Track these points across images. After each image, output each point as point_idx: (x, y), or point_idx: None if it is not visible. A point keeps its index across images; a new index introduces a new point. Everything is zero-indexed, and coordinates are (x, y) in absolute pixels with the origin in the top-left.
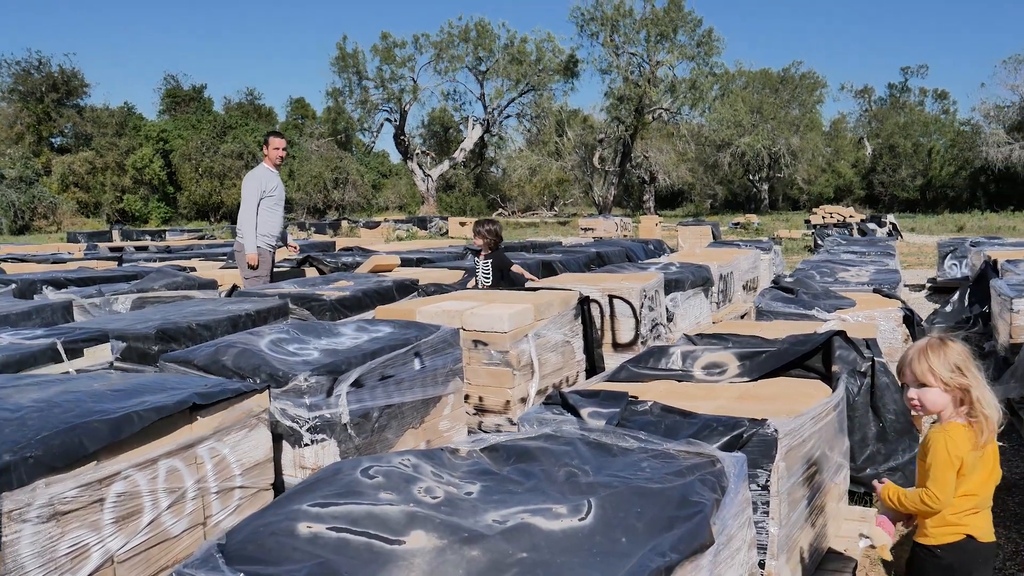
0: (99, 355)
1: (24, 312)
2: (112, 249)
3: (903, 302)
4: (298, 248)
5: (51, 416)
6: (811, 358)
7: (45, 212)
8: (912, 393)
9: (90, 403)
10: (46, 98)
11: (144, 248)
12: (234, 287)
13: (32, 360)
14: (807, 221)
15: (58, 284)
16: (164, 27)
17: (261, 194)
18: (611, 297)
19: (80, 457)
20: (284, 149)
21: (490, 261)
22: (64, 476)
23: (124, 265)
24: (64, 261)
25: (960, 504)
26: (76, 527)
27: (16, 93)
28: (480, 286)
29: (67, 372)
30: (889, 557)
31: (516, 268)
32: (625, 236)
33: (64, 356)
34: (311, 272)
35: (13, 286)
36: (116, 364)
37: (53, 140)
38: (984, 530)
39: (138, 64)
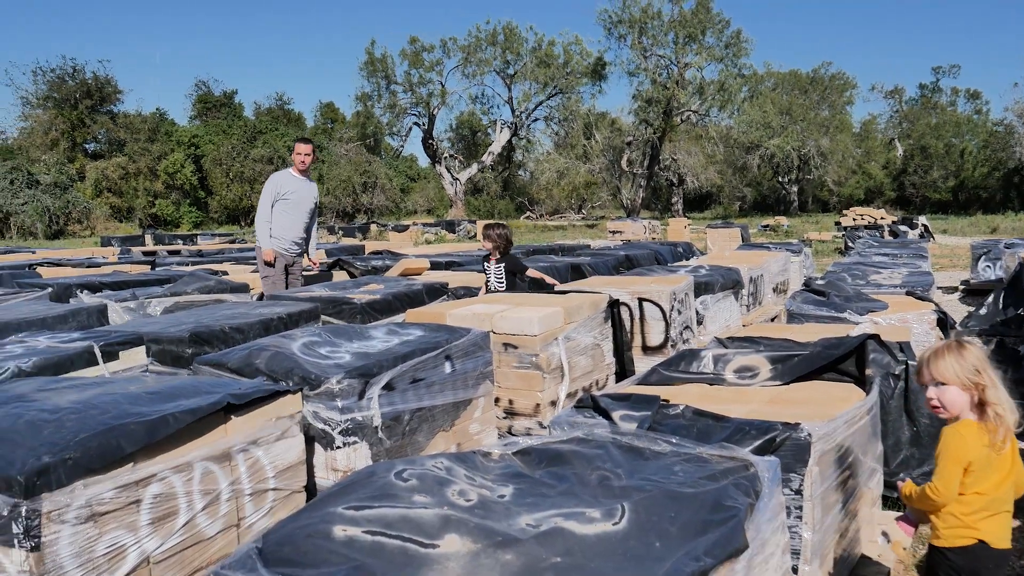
0: (134, 358)
1: (60, 315)
2: (145, 253)
3: (936, 305)
4: (317, 265)
5: (89, 418)
6: (844, 361)
7: (79, 217)
8: (932, 392)
9: (126, 405)
10: (80, 105)
11: (176, 252)
12: None
13: (69, 363)
14: (837, 223)
15: (93, 288)
16: (195, 34)
17: (274, 196)
18: (641, 300)
19: (117, 459)
20: (308, 155)
21: (502, 265)
22: (102, 477)
23: (157, 269)
24: (99, 265)
25: (973, 503)
26: (113, 528)
27: (51, 100)
28: (493, 292)
29: (103, 375)
30: (902, 554)
31: (533, 272)
32: (653, 239)
33: (100, 359)
34: (341, 275)
35: (50, 290)
36: (151, 367)
37: (87, 146)
38: (999, 536)
39: (170, 71)
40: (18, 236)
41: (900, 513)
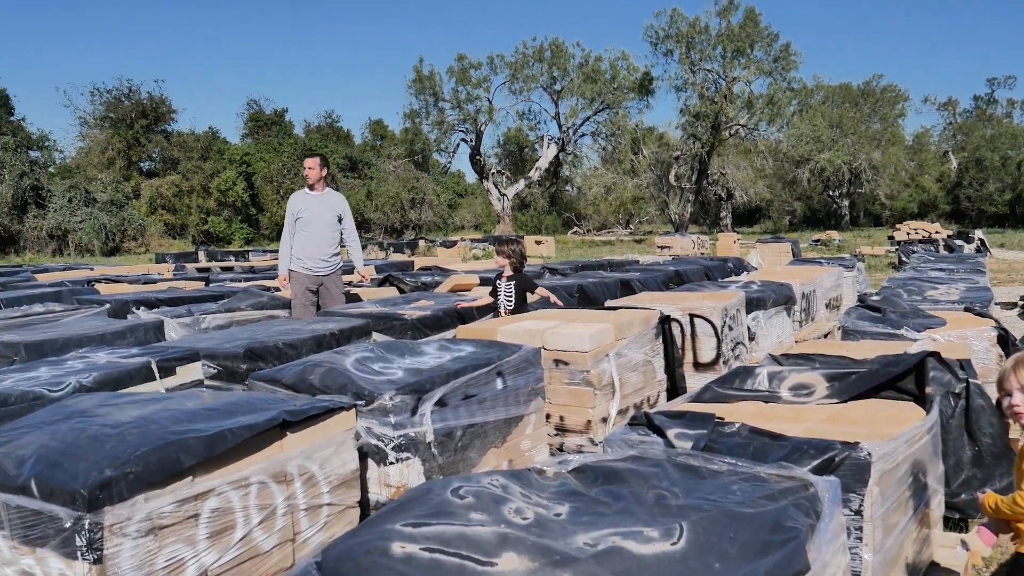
0: (190, 373)
1: (119, 331)
2: (199, 270)
3: (996, 321)
4: (366, 278)
5: (149, 433)
6: (903, 379)
7: (134, 234)
8: (1018, 399)
9: (185, 420)
10: (136, 124)
11: (229, 268)
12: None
13: (128, 378)
14: (891, 237)
15: (149, 304)
16: (247, 54)
17: (293, 216)
18: (692, 316)
19: (176, 473)
20: (312, 168)
21: (513, 283)
22: (161, 491)
23: (211, 285)
24: (154, 281)
25: None
26: (172, 541)
27: (108, 120)
28: (503, 310)
29: (160, 390)
30: (980, 563)
31: (542, 291)
32: (702, 254)
33: (158, 374)
34: (391, 291)
35: (108, 306)
36: (206, 382)
37: (142, 165)
38: None
39: (222, 90)
40: (76, 253)
41: (979, 523)
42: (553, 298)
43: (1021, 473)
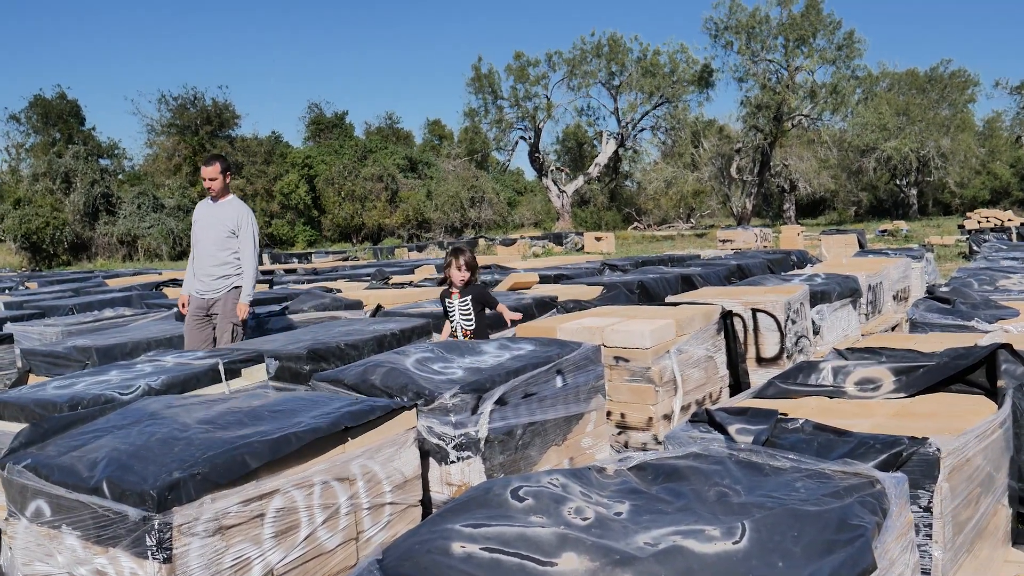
0: (255, 375)
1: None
2: (263, 272)
3: None
4: (242, 313)
5: (215, 435)
6: (973, 372)
7: None
8: None
9: (251, 423)
10: (201, 131)
11: (292, 271)
12: (378, 307)
13: (195, 380)
14: (961, 226)
15: None
16: (308, 58)
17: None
18: (754, 311)
19: (242, 474)
20: (213, 179)
21: (469, 298)
22: (228, 492)
23: (275, 287)
24: None
25: None
26: (239, 541)
27: (174, 127)
28: (460, 331)
29: (226, 392)
30: None
31: (500, 308)
32: (765, 247)
33: (224, 376)
34: None
35: (175, 310)
36: (271, 383)
37: None
38: None
39: (284, 94)
40: (145, 258)
41: None
42: (510, 315)
43: None
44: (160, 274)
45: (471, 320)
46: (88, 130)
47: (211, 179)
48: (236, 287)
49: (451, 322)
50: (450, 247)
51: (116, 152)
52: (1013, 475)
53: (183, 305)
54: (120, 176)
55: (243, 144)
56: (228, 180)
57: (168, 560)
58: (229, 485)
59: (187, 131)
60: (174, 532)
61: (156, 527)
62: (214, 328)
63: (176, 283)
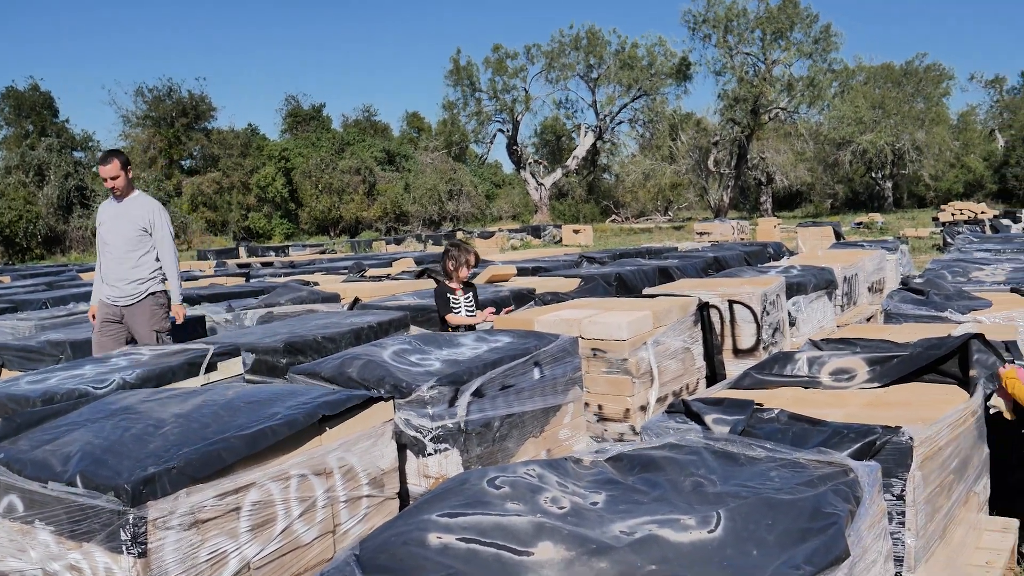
0: (231, 368)
1: None
2: (239, 266)
3: None
4: (180, 315)
5: (191, 430)
6: (946, 362)
7: (176, 231)
8: None
9: (227, 416)
10: (176, 123)
11: (269, 264)
12: (356, 300)
13: (171, 374)
14: (935, 219)
15: (191, 300)
16: (285, 50)
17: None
18: (731, 302)
19: (219, 468)
20: (114, 178)
21: (471, 294)
22: (203, 486)
23: (251, 281)
24: (196, 278)
25: None
26: (215, 535)
27: (149, 119)
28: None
29: (202, 385)
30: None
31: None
32: (742, 239)
33: (199, 370)
34: (429, 284)
35: None
36: (247, 377)
37: (183, 163)
38: None
39: (261, 87)
40: None
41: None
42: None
43: None
44: None
45: (474, 315)
46: (62, 122)
47: (112, 177)
48: (152, 293)
49: (451, 319)
50: (453, 244)
51: (90, 144)
52: (986, 463)
53: (93, 316)
54: (94, 169)
55: (219, 136)
56: (131, 176)
57: (143, 554)
58: (205, 479)
59: (163, 123)
60: (149, 526)
61: (131, 521)
62: (128, 336)
63: None
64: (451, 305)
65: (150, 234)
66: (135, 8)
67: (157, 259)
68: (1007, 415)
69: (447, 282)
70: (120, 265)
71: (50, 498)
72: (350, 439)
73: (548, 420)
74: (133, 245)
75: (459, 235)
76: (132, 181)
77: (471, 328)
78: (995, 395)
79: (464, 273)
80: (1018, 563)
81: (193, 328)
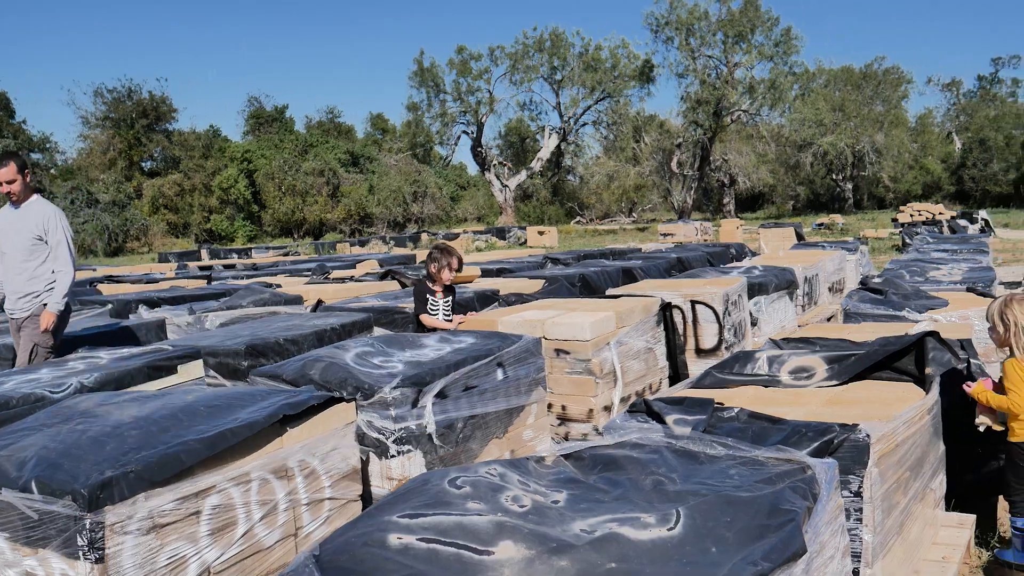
0: (192, 372)
1: (120, 331)
2: (201, 268)
3: None
4: (47, 323)
5: (149, 433)
6: (902, 360)
7: (137, 234)
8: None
9: (186, 419)
10: (137, 124)
11: (231, 266)
12: (319, 302)
13: (129, 378)
14: (894, 220)
15: (152, 304)
16: (247, 51)
17: None
18: (693, 303)
19: (177, 472)
20: (10, 183)
21: (451, 298)
22: (162, 490)
23: (213, 283)
24: (156, 281)
25: None
26: (175, 539)
27: (109, 120)
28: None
29: (162, 389)
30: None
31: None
32: (705, 240)
33: (159, 373)
34: (393, 285)
35: (110, 306)
36: (208, 380)
37: (144, 164)
38: None
39: (223, 88)
40: (79, 254)
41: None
42: (442, 325)
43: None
44: (94, 270)
45: (451, 319)
46: (18, 123)
47: (8, 182)
48: (46, 304)
49: (427, 322)
50: (438, 247)
51: (48, 146)
52: (942, 459)
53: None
54: (52, 171)
55: (180, 138)
56: (28, 180)
57: (100, 560)
58: (163, 483)
59: (122, 124)
60: (106, 531)
61: (87, 526)
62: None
63: (111, 280)
64: (429, 306)
65: (46, 242)
66: (95, 7)
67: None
68: (997, 427)
69: (430, 283)
70: (18, 276)
71: (4, 504)
72: (312, 441)
73: (512, 421)
74: (28, 255)
75: (423, 237)
76: (29, 186)
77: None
78: (978, 414)
79: (447, 276)
80: (988, 548)
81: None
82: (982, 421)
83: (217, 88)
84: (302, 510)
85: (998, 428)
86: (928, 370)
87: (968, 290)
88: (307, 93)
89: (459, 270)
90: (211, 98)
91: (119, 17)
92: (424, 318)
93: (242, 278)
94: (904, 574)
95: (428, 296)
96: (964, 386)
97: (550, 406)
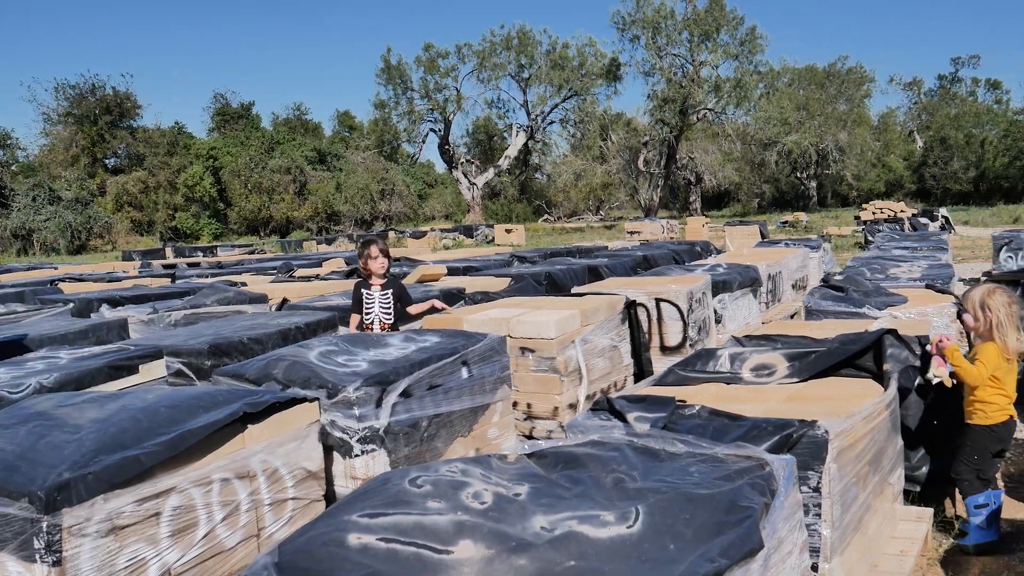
0: (154, 371)
1: (81, 331)
2: (165, 266)
3: (956, 297)
4: None
5: (108, 435)
6: (862, 357)
7: (100, 232)
8: (968, 319)
9: (146, 420)
10: (100, 120)
11: (196, 264)
12: (284, 301)
13: (90, 378)
14: (857, 217)
15: (114, 302)
16: (213, 47)
17: None
18: (658, 300)
19: (137, 474)
20: None
21: (391, 291)
22: (121, 491)
23: (177, 282)
24: (119, 279)
25: (1004, 399)
26: (134, 541)
27: (71, 117)
28: (378, 324)
29: (123, 389)
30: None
31: (422, 306)
32: (672, 238)
33: (120, 373)
34: None
35: (71, 305)
36: (170, 380)
37: (107, 161)
38: (1015, 414)
39: (188, 84)
40: (41, 252)
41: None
42: (439, 304)
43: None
44: (56, 269)
45: (391, 314)
46: None
47: None
48: None
49: (367, 314)
50: (360, 239)
51: (9, 142)
52: (901, 454)
53: None
54: (14, 167)
55: (145, 135)
56: None
57: (58, 563)
58: (123, 484)
59: (85, 121)
60: (64, 534)
61: (44, 529)
62: None
63: (73, 278)
64: (364, 302)
65: None
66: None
67: None
68: (948, 382)
69: (366, 280)
70: None
71: None
72: (274, 441)
73: (477, 419)
74: None
75: (391, 235)
76: None
77: (395, 330)
78: (935, 367)
79: (374, 267)
80: (955, 533)
81: None
82: (937, 374)
83: (182, 84)
84: (265, 511)
85: (948, 384)
86: (886, 366)
87: (927, 287)
88: (274, 90)
89: (384, 255)
90: (176, 94)
91: (81, 12)
92: (352, 319)
93: (207, 276)
94: (863, 568)
95: (362, 291)
96: (942, 338)
97: (515, 404)
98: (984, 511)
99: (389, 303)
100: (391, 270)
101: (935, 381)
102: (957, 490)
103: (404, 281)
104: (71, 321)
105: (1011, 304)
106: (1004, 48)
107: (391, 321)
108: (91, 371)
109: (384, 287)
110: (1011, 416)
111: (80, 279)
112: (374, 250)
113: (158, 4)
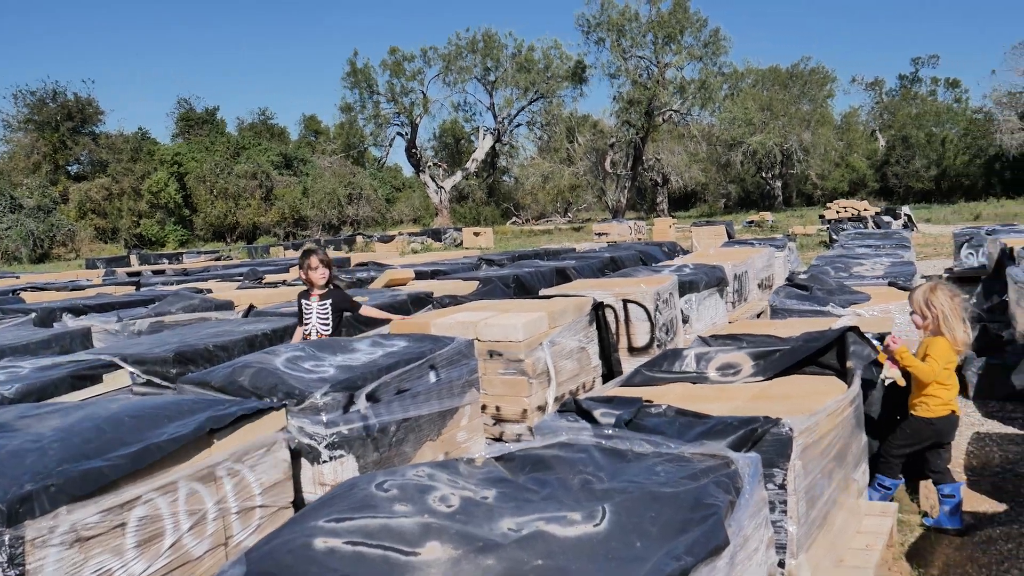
0: (118, 380)
1: (44, 340)
2: (130, 274)
3: None
4: None
5: (72, 444)
6: (825, 355)
7: (64, 240)
8: (916, 318)
9: (110, 431)
10: (62, 127)
11: (161, 272)
12: (251, 307)
13: (52, 388)
14: (821, 216)
15: (77, 311)
16: (176, 52)
17: None
18: (625, 301)
19: (101, 485)
20: None
21: (329, 302)
22: (86, 502)
23: (142, 289)
24: (83, 288)
25: (948, 394)
26: (99, 552)
27: (32, 123)
28: (315, 335)
29: (87, 398)
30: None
31: (370, 311)
32: (639, 239)
33: (84, 383)
34: None
35: (33, 315)
36: (135, 388)
37: (70, 168)
38: (958, 409)
39: (152, 90)
40: (3, 261)
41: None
42: (384, 315)
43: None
44: (18, 278)
45: (328, 325)
46: None
47: None
48: None
49: (305, 325)
50: (301, 250)
51: None
52: (865, 450)
53: None
54: None
55: (108, 141)
56: None
57: (22, 575)
58: (87, 496)
59: (46, 127)
60: (27, 546)
61: (7, 542)
62: None
63: (35, 287)
64: (303, 313)
65: None
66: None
67: None
68: (900, 382)
69: (307, 291)
70: None
71: None
72: (241, 449)
73: (445, 423)
74: None
75: (359, 240)
76: None
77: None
78: (888, 368)
79: (313, 277)
80: (925, 524)
81: None
82: (890, 375)
83: (145, 90)
84: (232, 519)
85: (901, 383)
86: (849, 363)
87: (890, 284)
88: (238, 95)
89: (324, 265)
90: (139, 100)
91: (41, 18)
92: (297, 332)
93: (172, 284)
94: (829, 563)
95: (302, 302)
96: (890, 340)
97: (484, 407)
98: (951, 501)
99: (327, 314)
100: (342, 278)
101: (888, 382)
102: (929, 482)
103: (372, 286)
104: (33, 331)
105: (954, 298)
106: (962, 48)
107: (328, 332)
108: (54, 381)
109: (323, 298)
110: (952, 411)
111: (42, 288)
112: (314, 260)
113: (118, 8)
